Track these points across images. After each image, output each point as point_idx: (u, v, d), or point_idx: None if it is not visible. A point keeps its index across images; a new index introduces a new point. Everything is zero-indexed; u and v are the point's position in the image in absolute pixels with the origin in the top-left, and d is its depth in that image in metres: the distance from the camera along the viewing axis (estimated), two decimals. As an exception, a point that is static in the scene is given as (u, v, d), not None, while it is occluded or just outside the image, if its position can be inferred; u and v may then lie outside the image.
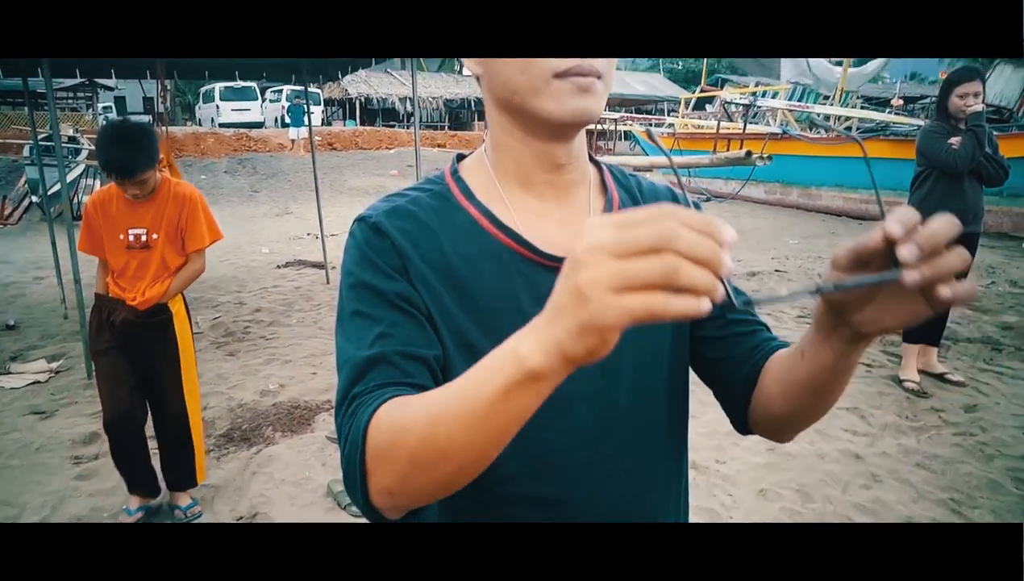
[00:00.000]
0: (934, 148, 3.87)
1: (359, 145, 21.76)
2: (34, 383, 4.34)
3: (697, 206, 0.96)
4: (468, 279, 0.80)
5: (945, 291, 0.55)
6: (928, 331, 4.24)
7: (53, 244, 5.91)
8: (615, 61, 0.80)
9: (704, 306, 0.46)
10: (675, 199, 0.95)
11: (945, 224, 0.53)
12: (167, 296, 2.82)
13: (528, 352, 0.53)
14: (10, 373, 4.45)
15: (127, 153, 2.58)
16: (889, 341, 5.02)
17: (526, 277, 0.81)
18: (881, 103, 20.83)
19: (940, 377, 4.28)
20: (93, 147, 14.49)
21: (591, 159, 0.93)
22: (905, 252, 0.53)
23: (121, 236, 2.78)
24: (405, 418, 0.63)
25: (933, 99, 4.92)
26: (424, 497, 0.65)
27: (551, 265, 0.82)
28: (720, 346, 0.87)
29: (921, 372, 4.29)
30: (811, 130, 12.76)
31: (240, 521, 2.89)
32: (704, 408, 3.86)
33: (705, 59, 19.65)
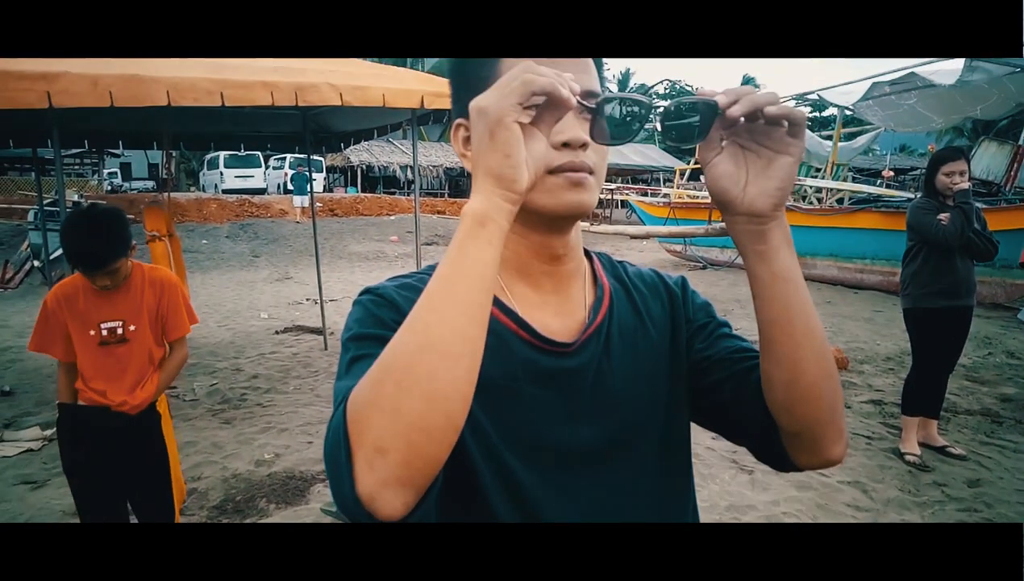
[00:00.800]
0: (923, 223, 3.96)
1: (360, 211, 22.08)
2: (27, 451, 4.29)
3: (685, 283, 1.01)
4: None
5: (772, 109, 0.68)
6: (927, 403, 4.23)
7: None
8: (607, 157, 0.85)
9: (563, 90, 0.64)
10: (662, 281, 1.00)
11: (746, 87, 0.70)
12: (158, 394, 2.60)
13: (469, 206, 0.66)
14: (3, 441, 4.40)
15: (97, 242, 2.34)
16: (889, 413, 5.01)
17: (526, 358, 0.85)
18: (872, 174, 21.30)
19: (941, 450, 4.24)
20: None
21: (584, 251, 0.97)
22: (719, 98, 0.69)
23: (92, 332, 2.47)
24: (382, 354, 0.65)
25: (923, 171, 5.07)
26: (420, 436, 0.62)
27: (550, 349, 0.86)
28: (735, 381, 0.88)
29: (922, 445, 4.26)
30: (804, 202, 12.98)
31: None
32: (704, 481, 3.83)
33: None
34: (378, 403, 0.63)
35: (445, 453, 0.64)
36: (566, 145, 0.78)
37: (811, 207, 12.44)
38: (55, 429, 4.58)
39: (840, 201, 12.63)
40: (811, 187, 13.14)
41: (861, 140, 16.38)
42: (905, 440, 4.25)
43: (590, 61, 0.85)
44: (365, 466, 0.62)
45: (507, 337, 0.85)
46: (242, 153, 21.86)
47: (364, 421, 0.63)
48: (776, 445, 0.84)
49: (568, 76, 0.66)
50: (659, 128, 0.71)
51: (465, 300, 0.65)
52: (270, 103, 4.46)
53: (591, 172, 0.81)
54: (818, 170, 14.66)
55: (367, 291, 0.86)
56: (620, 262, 1.02)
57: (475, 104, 0.67)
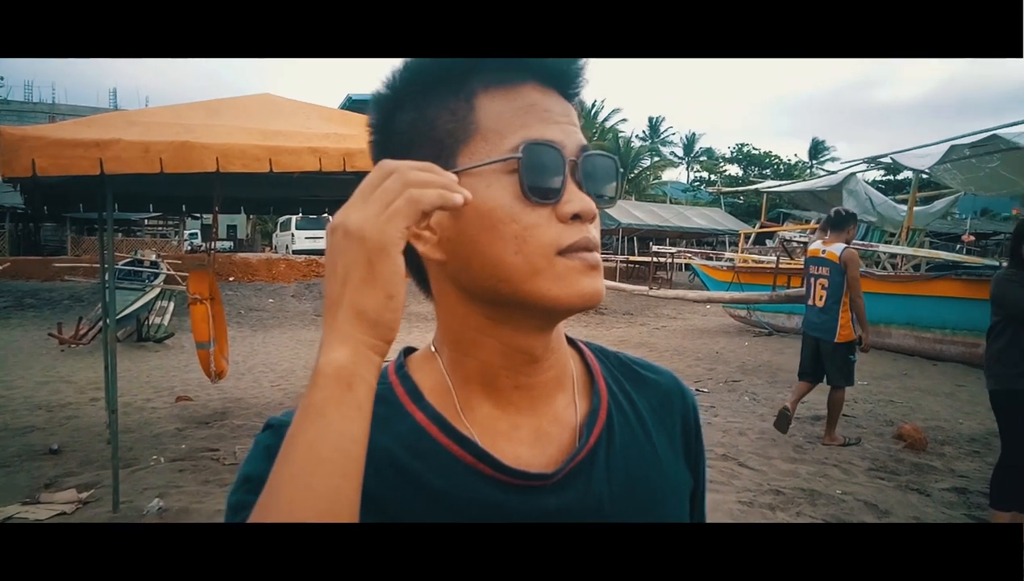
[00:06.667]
0: (1011, 297, 3.60)
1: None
2: (60, 515, 4.24)
3: (696, 409, 0.81)
4: (404, 499, 0.65)
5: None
6: (1021, 496, 3.76)
7: (106, 368, 6.01)
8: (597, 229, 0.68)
9: (455, 197, 0.56)
10: (678, 388, 0.81)
11: None
12: None
13: (328, 359, 0.52)
14: (39, 503, 4.37)
15: None
16: (975, 503, 4.50)
17: (487, 500, 0.65)
18: (951, 239, 20.35)
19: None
20: (172, 271, 15.30)
21: (568, 340, 0.77)
22: None
23: None
24: None
25: (1007, 236, 4.65)
26: None
27: (520, 483, 0.66)
28: None
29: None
30: (876, 267, 12.40)
31: None
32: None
33: (766, 194, 19.64)
34: None
35: None
36: (576, 217, 0.63)
37: (885, 273, 11.86)
38: (92, 491, 4.59)
39: (916, 267, 12.00)
40: (884, 253, 12.56)
41: (939, 204, 15.68)
42: (995, 539, 3.76)
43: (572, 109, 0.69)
44: None
45: (459, 472, 0.66)
46: (313, 216, 22.71)
47: None
48: None
49: (452, 176, 0.58)
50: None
51: (327, 493, 0.50)
52: (318, 169, 4.48)
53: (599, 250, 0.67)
54: (892, 235, 14.06)
55: (270, 426, 0.68)
56: (616, 353, 0.82)
57: (342, 222, 0.54)
